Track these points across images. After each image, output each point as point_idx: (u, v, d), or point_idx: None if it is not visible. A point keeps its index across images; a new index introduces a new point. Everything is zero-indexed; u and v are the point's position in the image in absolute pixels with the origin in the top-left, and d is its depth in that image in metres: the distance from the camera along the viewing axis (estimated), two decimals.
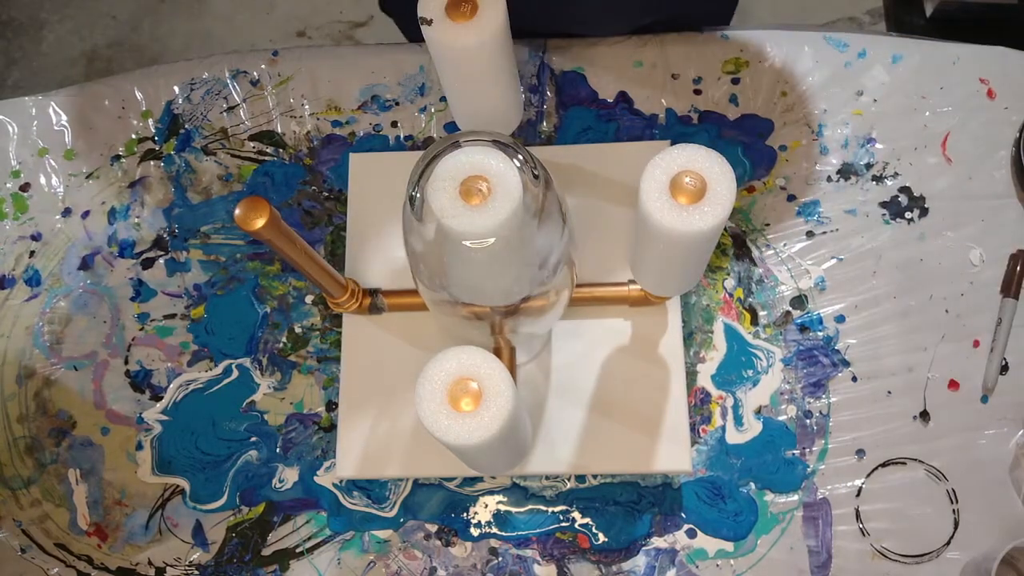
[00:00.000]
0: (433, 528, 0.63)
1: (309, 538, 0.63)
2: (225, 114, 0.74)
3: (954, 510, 0.61)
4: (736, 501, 0.62)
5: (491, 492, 0.63)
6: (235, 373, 0.67)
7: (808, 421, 0.63)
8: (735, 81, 0.71)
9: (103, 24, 1.69)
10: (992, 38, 0.72)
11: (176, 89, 0.75)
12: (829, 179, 0.68)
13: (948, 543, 0.60)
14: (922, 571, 0.60)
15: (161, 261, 0.70)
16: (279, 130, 0.73)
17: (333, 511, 0.63)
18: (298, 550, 0.63)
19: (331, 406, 0.65)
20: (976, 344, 0.64)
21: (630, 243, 0.51)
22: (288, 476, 0.64)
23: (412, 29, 0.66)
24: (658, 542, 0.61)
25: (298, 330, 0.67)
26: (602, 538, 0.62)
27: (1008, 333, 0.64)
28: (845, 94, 0.70)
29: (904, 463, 0.62)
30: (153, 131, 0.74)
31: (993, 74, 0.70)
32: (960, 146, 0.69)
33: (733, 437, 0.63)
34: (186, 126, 0.74)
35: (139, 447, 0.66)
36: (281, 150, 0.72)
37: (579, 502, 0.62)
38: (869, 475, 0.62)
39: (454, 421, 0.41)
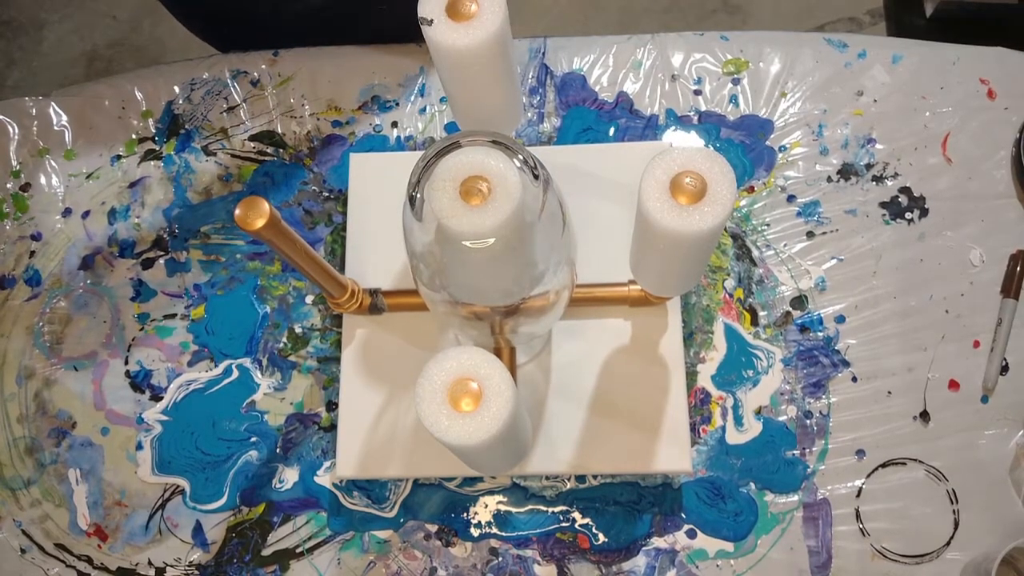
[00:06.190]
0: (433, 528, 0.63)
1: (309, 538, 0.63)
2: (225, 114, 0.74)
3: (954, 510, 0.61)
4: (736, 501, 0.62)
5: (491, 492, 0.63)
6: (235, 373, 0.67)
7: (808, 421, 0.63)
8: (735, 81, 0.71)
9: (103, 24, 1.69)
10: (992, 38, 0.72)
11: (176, 89, 0.75)
12: (829, 179, 0.68)
13: (948, 543, 0.60)
14: (922, 571, 0.60)
15: (161, 261, 0.70)
16: (279, 130, 0.73)
17: (333, 511, 0.63)
18: (298, 550, 0.63)
19: (331, 406, 0.65)
20: (976, 344, 0.64)
21: (630, 243, 0.51)
22: (288, 476, 0.64)
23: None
24: (658, 542, 0.61)
25: (298, 330, 0.67)
26: (602, 538, 0.62)
27: (1008, 333, 0.64)
28: (845, 94, 0.70)
29: (904, 463, 0.62)
30: (153, 131, 0.74)
31: (993, 74, 0.70)
32: (960, 146, 0.69)
33: (733, 437, 0.63)
34: (186, 126, 0.74)
35: (139, 447, 0.66)
36: (281, 150, 0.72)
37: (579, 502, 0.62)
38: (869, 475, 0.62)
39: (454, 421, 0.41)
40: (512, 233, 0.41)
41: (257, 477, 0.65)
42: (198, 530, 0.64)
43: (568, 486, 0.63)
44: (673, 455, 0.59)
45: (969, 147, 0.68)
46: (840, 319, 0.65)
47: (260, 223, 0.42)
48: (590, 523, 0.62)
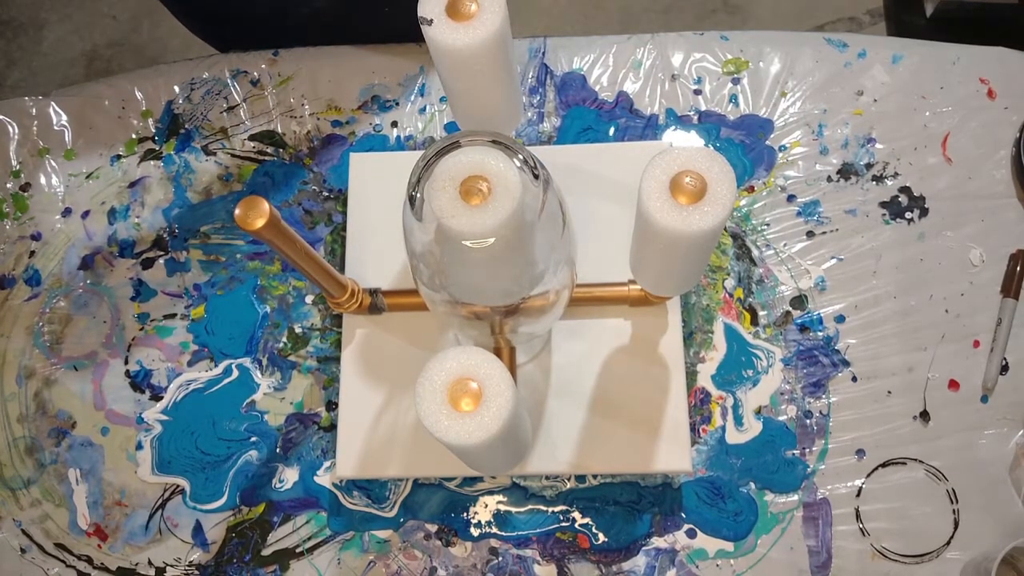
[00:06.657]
0: (433, 528, 0.63)
1: (309, 538, 0.63)
2: (225, 114, 0.74)
3: (954, 510, 0.61)
4: (736, 501, 0.62)
5: (491, 492, 0.63)
6: (235, 373, 0.67)
7: (808, 421, 0.63)
8: (735, 81, 0.71)
9: (103, 24, 1.69)
10: (992, 38, 0.72)
11: (176, 89, 0.75)
12: (829, 179, 0.68)
13: (948, 543, 0.60)
14: (922, 571, 0.60)
15: (161, 261, 0.70)
16: (279, 130, 0.73)
17: (333, 511, 0.63)
18: (298, 550, 0.63)
19: (331, 406, 0.65)
20: (976, 344, 0.64)
21: (630, 243, 0.51)
22: (288, 476, 0.64)
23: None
24: (658, 542, 0.61)
25: (298, 330, 0.67)
26: (602, 538, 0.62)
27: (1008, 333, 0.64)
28: (845, 94, 0.70)
29: (904, 463, 0.62)
30: (153, 131, 0.74)
31: (993, 74, 0.70)
32: (960, 146, 0.69)
33: (733, 437, 0.63)
34: (186, 126, 0.74)
35: (139, 447, 0.66)
36: (281, 150, 0.72)
37: (579, 502, 0.62)
38: (869, 475, 0.62)
39: (454, 421, 0.41)
40: (512, 233, 0.41)
41: (257, 477, 0.65)
42: (198, 530, 0.64)
43: (568, 486, 0.63)
44: (673, 455, 0.59)
45: (969, 147, 0.68)
46: (840, 319, 0.65)
47: (260, 223, 0.42)
48: (590, 523, 0.62)
